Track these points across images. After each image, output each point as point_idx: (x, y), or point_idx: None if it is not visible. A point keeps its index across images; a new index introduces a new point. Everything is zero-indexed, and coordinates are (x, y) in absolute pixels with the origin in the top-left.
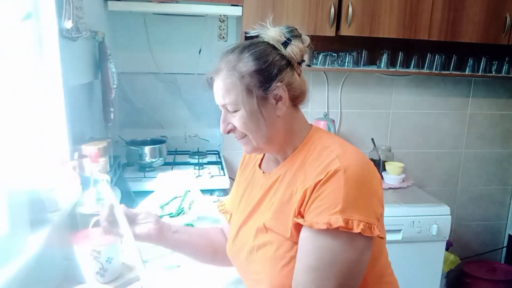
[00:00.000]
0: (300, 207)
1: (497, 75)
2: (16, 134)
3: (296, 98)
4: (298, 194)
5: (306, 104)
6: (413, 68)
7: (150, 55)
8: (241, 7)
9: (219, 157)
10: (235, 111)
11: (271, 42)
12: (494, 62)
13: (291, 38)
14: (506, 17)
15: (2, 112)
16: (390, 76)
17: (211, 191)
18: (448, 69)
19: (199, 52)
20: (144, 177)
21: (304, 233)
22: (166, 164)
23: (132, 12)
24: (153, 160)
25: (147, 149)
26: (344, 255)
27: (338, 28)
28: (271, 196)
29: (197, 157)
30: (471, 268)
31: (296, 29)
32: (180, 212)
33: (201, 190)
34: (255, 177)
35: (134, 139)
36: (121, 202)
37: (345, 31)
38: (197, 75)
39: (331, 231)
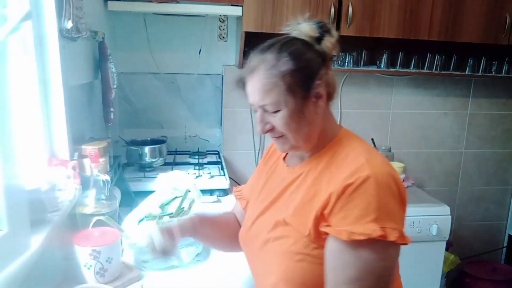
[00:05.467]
0: (324, 210)
1: (497, 75)
2: (16, 134)
3: (331, 95)
4: (322, 195)
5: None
6: (413, 68)
7: (150, 55)
8: (241, 7)
9: (219, 157)
10: (276, 111)
11: (305, 39)
12: (494, 62)
13: (324, 33)
14: (506, 17)
15: (2, 112)
16: (390, 76)
17: (211, 191)
18: (448, 69)
19: (199, 52)
20: (144, 177)
21: (337, 244)
22: (166, 164)
23: (132, 12)
24: (153, 160)
25: (147, 149)
26: (382, 264)
27: (338, 28)
28: (292, 191)
29: (197, 157)
30: (471, 268)
31: (326, 24)
32: (180, 212)
33: (201, 190)
34: (278, 169)
35: (134, 139)
36: (121, 202)
37: (345, 31)
38: (197, 75)
39: (368, 240)
